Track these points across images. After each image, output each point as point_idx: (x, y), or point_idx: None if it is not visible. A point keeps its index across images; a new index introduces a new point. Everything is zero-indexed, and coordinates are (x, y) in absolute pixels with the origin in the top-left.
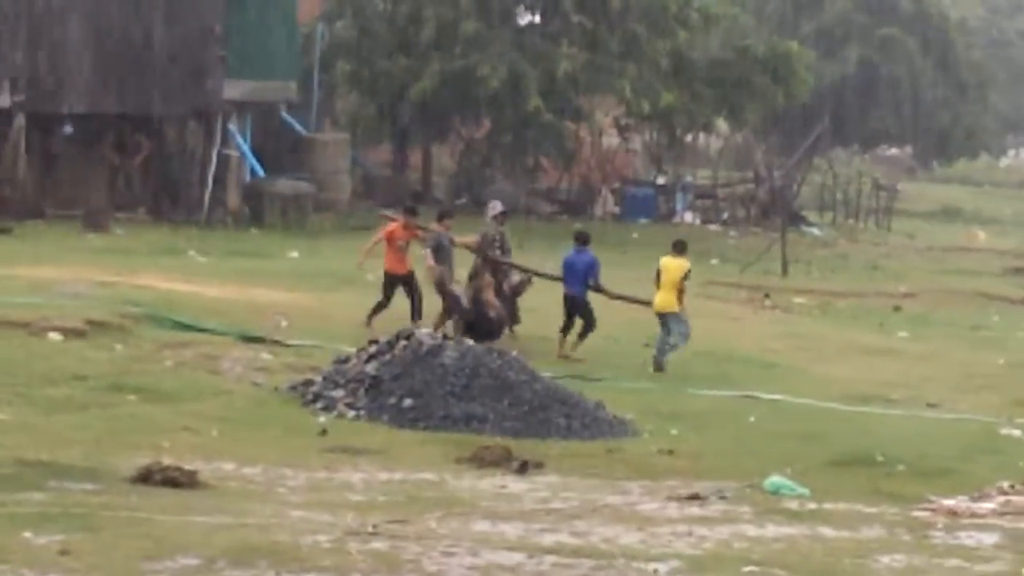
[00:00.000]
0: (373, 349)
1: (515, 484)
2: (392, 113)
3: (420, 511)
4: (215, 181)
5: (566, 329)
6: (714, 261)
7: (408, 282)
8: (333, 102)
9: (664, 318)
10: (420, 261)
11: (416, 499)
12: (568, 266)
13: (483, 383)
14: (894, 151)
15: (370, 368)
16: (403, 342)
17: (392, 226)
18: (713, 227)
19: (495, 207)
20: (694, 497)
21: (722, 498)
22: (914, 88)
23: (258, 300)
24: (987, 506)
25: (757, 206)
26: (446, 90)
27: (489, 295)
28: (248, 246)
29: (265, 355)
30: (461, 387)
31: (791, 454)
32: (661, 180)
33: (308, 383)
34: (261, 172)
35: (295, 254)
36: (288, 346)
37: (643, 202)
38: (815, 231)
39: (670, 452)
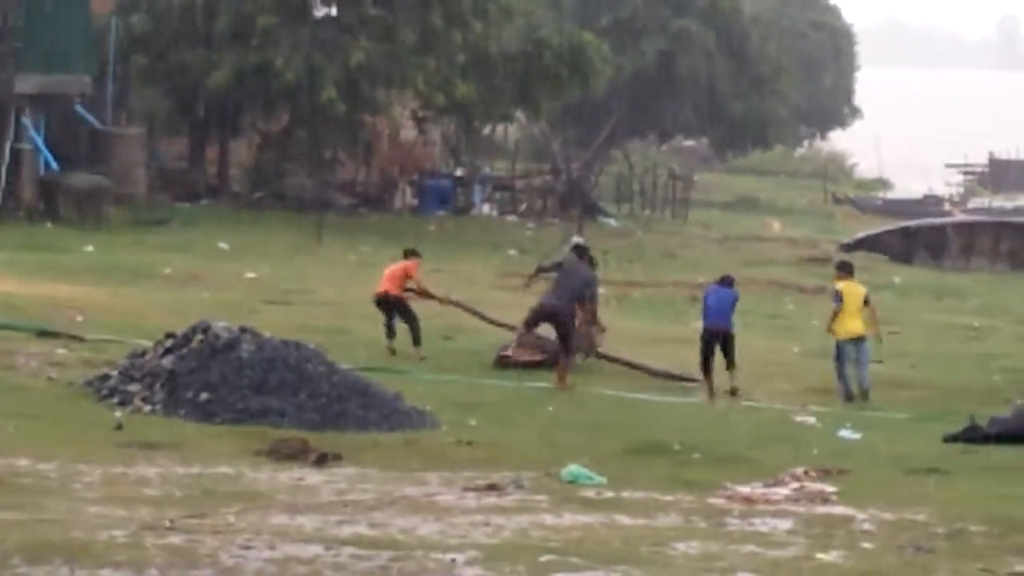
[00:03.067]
0: (170, 343)
1: (313, 476)
2: (188, 107)
3: (217, 505)
4: (8, 175)
5: (708, 366)
6: (512, 252)
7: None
8: (129, 96)
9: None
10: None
11: (213, 493)
12: (713, 301)
13: (280, 376)
14: (690, 142)
15: (166, 362)
16: (199, 336)
17: None
18: (511, 218)
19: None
20: (492, 487)
21: (519, 487)
22: (710, 80)
23: (54, 295)
24: (781, 492)
25: (555, 197)
26: (242, 84)
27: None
28: (43, 240)
29: (61, 350)
30: (258, 380)
31: (588, 443)
32: (459, 172)
33: (104, 378)
34: (55, 166)
35: (91, 248)
36: (84, 341)
37: (441, 194)
38: (612, 222)
39: (468, 443)
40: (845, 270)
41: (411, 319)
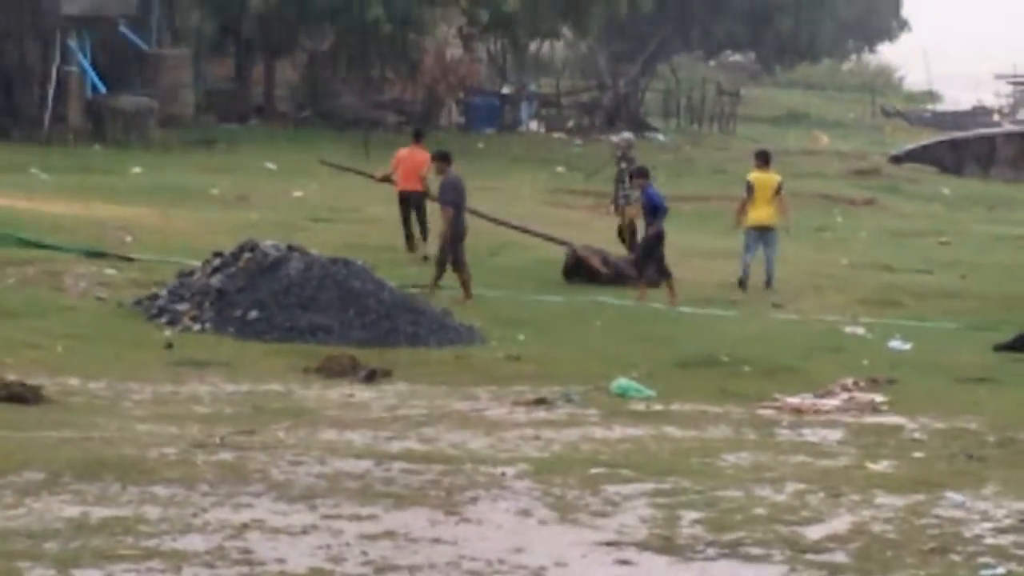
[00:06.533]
0: (218, 262)
1: (362, 393)
2: (234, 27)
3: (267, 422)
4: (56, 98)
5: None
6: (560, 169)
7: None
8: (174, 17)
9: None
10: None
11: (263, 410)
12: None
13: (329, 294)
14: (737, 57)
15: (215, 281)
16: (247, 254)
17: None
18: (558, 135)
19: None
20: (541, 401)
21: (569, 401)
22: None
23: (101, 216)
24: (831, 403)
25: (602, 113)
26: (288, 3)
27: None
28: (91, 162)
29: (109, 271)
30: (307, 298)
31: (637, 357)
32: (506, 89)
33: (153, 297)
34: (103, 88)
35: (138, 170)
36: (132, 261)
37: (488, 111)
38: (660, 137)
39: (517, 358)
40: (762, 159)
41: (424, 216)
